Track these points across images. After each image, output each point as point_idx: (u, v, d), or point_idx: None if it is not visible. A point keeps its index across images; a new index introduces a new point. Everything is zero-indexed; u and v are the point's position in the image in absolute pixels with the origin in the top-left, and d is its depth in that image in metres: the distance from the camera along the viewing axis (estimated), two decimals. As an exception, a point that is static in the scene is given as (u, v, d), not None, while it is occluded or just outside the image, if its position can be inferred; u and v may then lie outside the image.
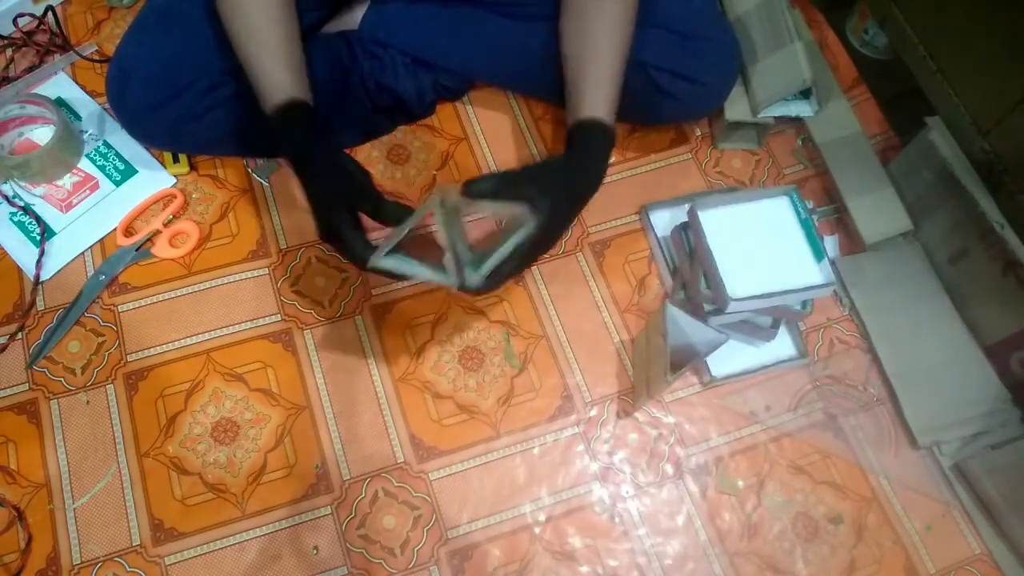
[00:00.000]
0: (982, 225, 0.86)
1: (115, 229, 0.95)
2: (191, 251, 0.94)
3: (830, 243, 0.99)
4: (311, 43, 0.92)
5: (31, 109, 0.97)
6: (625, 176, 1.02)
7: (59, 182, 0.97)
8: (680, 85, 0.89)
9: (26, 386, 0.87)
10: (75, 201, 0.96)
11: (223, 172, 0.99)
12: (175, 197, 0.96)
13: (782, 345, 0.92)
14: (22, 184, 0.96)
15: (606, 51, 0.80)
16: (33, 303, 0.91)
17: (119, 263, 0.93)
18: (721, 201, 0.88)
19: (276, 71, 0.75)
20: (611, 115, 0.79)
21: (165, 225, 0.95)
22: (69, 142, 0.96)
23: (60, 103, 1.01)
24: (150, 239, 0.94)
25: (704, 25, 0.90)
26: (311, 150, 0.74)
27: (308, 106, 0.75)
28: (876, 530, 0.86)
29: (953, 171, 0.88)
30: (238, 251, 0.95)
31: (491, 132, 1.04)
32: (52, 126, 0.95)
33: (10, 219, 0.95)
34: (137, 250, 0.93)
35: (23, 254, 0.93)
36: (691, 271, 0.89)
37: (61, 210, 0.96)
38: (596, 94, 0.79)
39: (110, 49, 1.06)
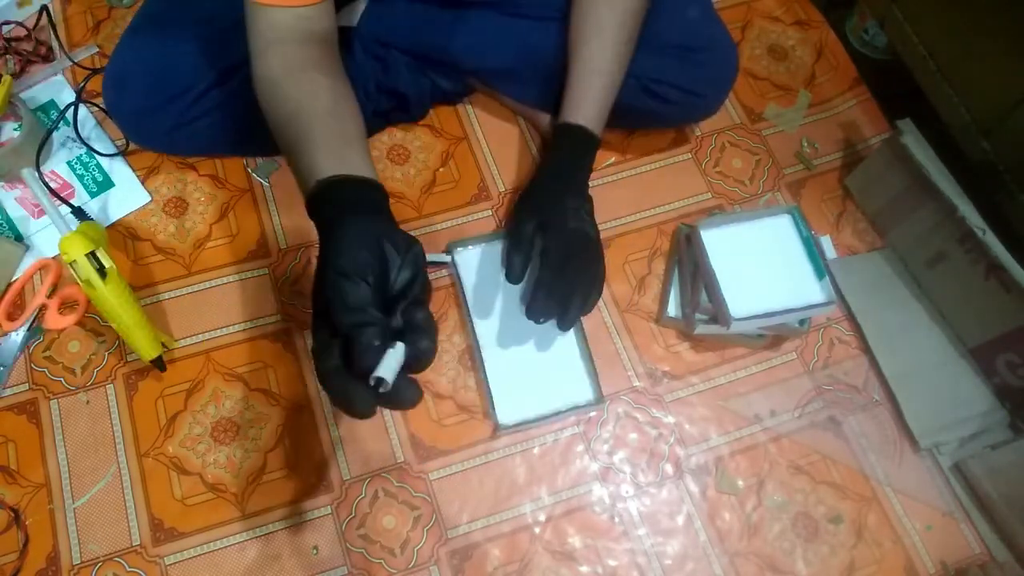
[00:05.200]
0: (961, 228, 0.86)
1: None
2: (84, 311, 0.89)
3: (826, 242, 0.99)
4: None
5: None
6: (625, 176, 1.02)
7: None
8: (679, 95, 0.90)
9: (26, 386, 0.87)
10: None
11: (223, 172, 0.99)
12: (50, 267, 0.90)
13: (580, 390, 0.88)
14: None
15: (603, 63, 0.84)
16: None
17: (14, 349, 0.87)
18: (723, 220, 0.89)
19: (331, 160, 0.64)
20: (598, 125, 0.85)
21: (49, 297, 0.89)
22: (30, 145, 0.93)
23: (51, 106, 1.01)
24: (39, 315, 0.89)
25: (703, 35, 0.91)
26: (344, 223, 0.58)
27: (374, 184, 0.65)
28: (876, 530, 0.86)
29: (929, 175, 0.87)
30: (238, 251, 0.95)
31: (491, 132, 1.04)
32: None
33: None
34: (29, 329, 0.88)
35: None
36: (692, 285, 0.89)
37: (33, 216, 0.95)
38: (588, 105, 0.85)
39: (110, 49, 1.06)
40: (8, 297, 0.89)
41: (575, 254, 0.80)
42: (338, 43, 0.94)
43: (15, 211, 0.96)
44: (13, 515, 0.81)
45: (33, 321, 0.89)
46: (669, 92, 0.90)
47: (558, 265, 0.79)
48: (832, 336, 0.94)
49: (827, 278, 0.85)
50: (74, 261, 0.79)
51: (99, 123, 1.01)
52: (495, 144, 1.03)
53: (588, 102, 0.85)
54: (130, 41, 0.88)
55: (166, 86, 0.86)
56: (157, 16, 0.88)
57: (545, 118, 0.98)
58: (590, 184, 0.98)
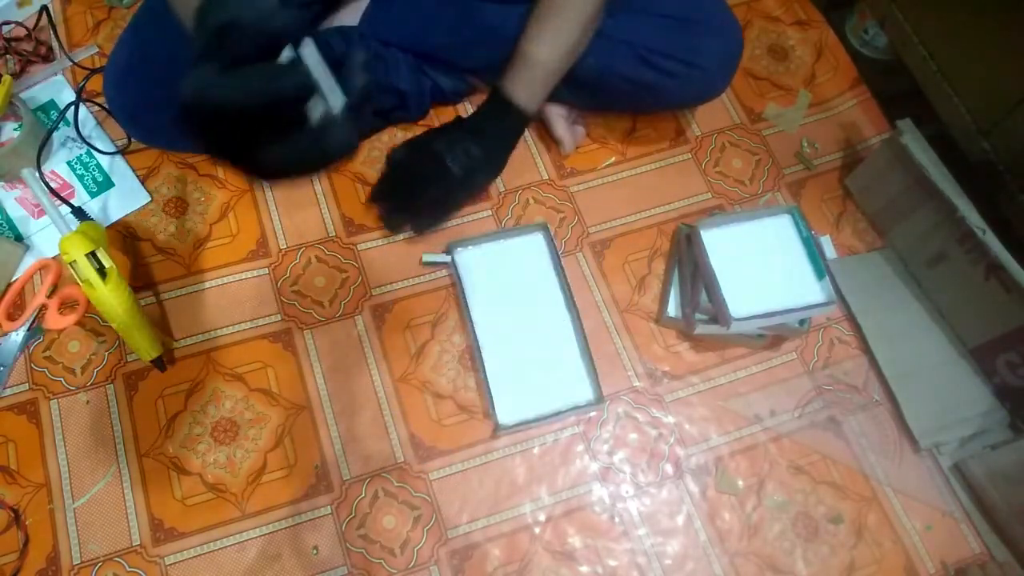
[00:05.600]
0: (961, 228, 0.86)
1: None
2: (84, 311, 0.86)
3: (826, 242, 0.99)
4: None
5: None
6: (625, 176, 1.02)
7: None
8: (679, 67, 0.89)
9: (26, 386, 0.87)
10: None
11: (223, 172, 0.99)
12: (50, 267, 0.88)
13: (580, 390, 0.89)
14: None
15: (549, 41, 0.84)
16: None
17: (14, 349, 0.88)
18: (723, 220, 0.89)
19: None
20: (529, 101, 0.87)
21: (49, 297, 0.87)
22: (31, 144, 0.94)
23: (51, 106, 1.01)
24: (39, 315, 0.88)
25: (702, 9, 0.90)
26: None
27: None
28: (876, 530, 0.86)
29: (929, 176, 0.87)
30: (238, 251, 0.95)
31: (491, 132, 1.04)
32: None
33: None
34: (29, 329, 0.88)
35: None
36: (692, 285, 0.89)
37: (33, 216, 0.95)
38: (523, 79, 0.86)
39: (110, 49, 1.05)
40: (8, 297, 0.89)
41: (412, 167, 0.89)
42: (338, 46, 0.94)
43: (15, 211, 0.96)
44: (13, 515, 0.81)
45: (33, 321, 0.89)
46: (667, 63, 0.89)
47: (393, 166, 0.92)
48: (832, 336, 0.94)
49: (827, 278, 0.85)
50: (74, 261, 0.79)
51: (99, 123, 1.01)
52: (495, 144, 1.03)
53: (524, 73, 0.86)
54: (130, 37, 0.88)
55: (168, 79, 0.86)
56: (157, 12, 0.88)
57: (546, 113, 0.98)
58: (589, 184, 0.98)
